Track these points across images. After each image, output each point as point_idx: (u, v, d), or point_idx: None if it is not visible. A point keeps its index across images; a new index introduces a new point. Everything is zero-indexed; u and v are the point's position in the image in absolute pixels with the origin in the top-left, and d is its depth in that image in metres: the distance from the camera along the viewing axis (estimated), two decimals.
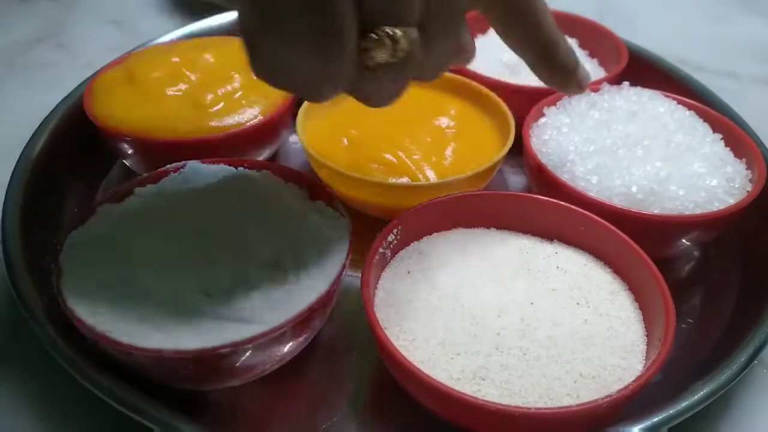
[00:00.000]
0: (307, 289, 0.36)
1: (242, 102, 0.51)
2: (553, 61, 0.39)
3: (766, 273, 0.46)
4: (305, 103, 0.53)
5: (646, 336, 0.38)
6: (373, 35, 0.28)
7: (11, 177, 0.49)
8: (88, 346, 0.36)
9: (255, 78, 0.30)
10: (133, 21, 0.82)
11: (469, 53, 0.36)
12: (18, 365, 0.42)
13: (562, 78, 0.40)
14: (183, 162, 0.45)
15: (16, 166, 0.50)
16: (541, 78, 0.41)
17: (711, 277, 0.49)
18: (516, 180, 0.57)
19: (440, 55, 0.32)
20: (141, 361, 0.35)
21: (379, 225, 0.42)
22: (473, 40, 0.36)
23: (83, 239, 0.40)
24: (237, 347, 0.34)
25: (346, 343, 0.43)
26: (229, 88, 0.52)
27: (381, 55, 0.29)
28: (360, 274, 0.38)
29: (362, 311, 0.37)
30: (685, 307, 0.46)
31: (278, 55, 0.28)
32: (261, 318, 0.35)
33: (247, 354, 0.35)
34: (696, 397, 0.36)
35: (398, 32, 0.28)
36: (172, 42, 0.62)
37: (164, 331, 0.34)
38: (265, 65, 0.29)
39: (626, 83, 0.54)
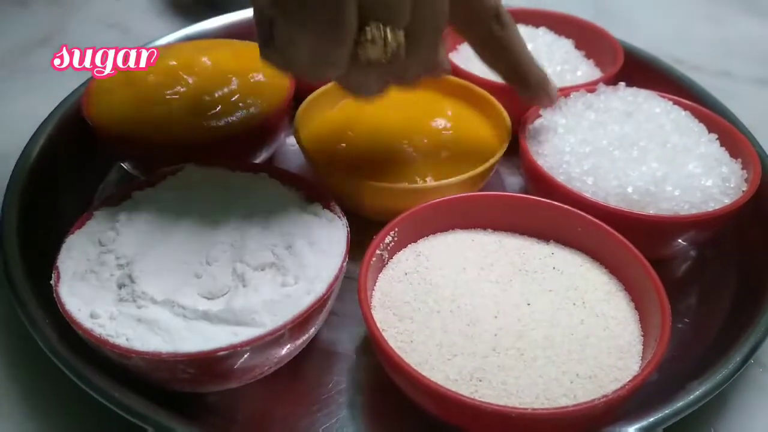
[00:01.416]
0: (304, 292, 0.37)
1: (239, 105, 0.51)
2: (524, 79, 0.47)
3: (762, 272, 0.46)
4: (302, 106, 0.53)
5: (642, 336, 0.38)
6: (368, 30, 0.33)
7: (9, 180, 0.49)
8: (86, 350, 0.36)
9: (264, 62, 0.36)
10: (131, 24, 0.82)
11: (444, 70, 0.40)
12: (16, 368, 0.42)
13: (533, 93, 0.49)
14: (180, 165, 0.46)
15: (14, 169, 0.50)
16: (516, 91, 0.49)
17: (707, 276, 0.49)
18: (513, 181, 0.57)
19: (421, 63, 0.37)
20: (139, 365, 0.35)
21: (377, 227, 0.42)
22: (449, 59, 0.43)
23: (81, 242, 0.40)
24: (235, 350, 0.34)
25: (344, 345, 0.43)
26: (226, 90, 0.52)
27: (372, 51, 0.33)
28: (357, 276, 0.38)
29: (360, 313, 0.37)
30: (681, 307, 0.47)
31: (289, 38, 0.33)
32: (259, 321, 0.35)
33: (246, 356, 0.35)
34: (692, 396, 0.36)
35: (389, 32, 0.33)
36: (169, 45, 0.62)
37: (162, 334, 0.35)
38: (274, 48, 0.34)
39: (622, 84, 0.55)
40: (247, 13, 0.70)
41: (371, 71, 0.35)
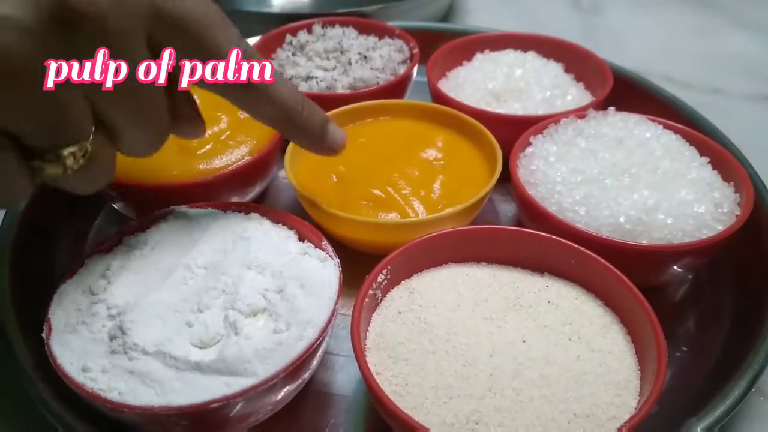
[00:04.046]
0: (296, 338, 0.36)
1: (229, 143, 0.51)
2: (292, 124, 0.41)
3: (759, 295, 0.46)
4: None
5: (639, 370, 0.38)
6: (45, 158, 0.32)
7: (0, 225, 0.49)
8: (79, 402, 0.36)
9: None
10: None
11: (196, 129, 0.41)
12: (7, 422, 0.42)
13: (307, 140, 0.42)
14: (171, 207, 0.45)
15: (5, 214, 0.50)
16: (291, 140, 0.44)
17: (703, 301, 0.49)
18: (506, 208, 0.57)
19: (142, 137, 0.36)
20: (133, 418, 0.34)
21: (371, 261, 0.41)
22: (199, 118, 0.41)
23: (72, 292, 0.40)
24: (228, 401, 0.34)
25: (341, 385, 0.43)
26: (216, 129, 0.52)
27: (51, 171, 0.32)
28: (351, 314, 0.38)
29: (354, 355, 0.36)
30: (679, 333, 0.46)
31: None
32: (251, 370, 0.35)
33: (239, 406, 0.35)
34: None
35: (64, 152, 0.32)
36: None
37: (155, 386, 0.34)
38: None
39: (612, 108, 0.55)
40: None
41: (70, 180, 0.33)
